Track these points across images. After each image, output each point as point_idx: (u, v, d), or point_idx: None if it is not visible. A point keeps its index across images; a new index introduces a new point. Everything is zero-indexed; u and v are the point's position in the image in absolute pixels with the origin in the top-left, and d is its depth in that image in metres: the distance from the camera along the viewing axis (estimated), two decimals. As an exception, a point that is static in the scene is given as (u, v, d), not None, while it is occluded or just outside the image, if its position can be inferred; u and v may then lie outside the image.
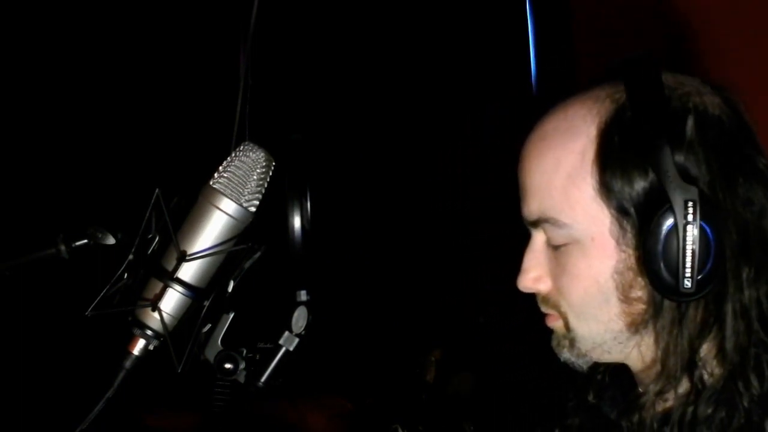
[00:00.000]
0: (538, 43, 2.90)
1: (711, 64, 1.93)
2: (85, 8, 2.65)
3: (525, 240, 1.02)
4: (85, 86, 2.72)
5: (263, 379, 1.12)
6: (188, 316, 1.07)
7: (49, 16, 2.64)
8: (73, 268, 1.10)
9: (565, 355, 1.01)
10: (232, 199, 1.04)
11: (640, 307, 0.94)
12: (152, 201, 1.04)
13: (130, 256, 1.07)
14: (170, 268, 1.05)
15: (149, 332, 1.06)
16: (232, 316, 1.13)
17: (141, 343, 1.06)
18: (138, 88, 2.79)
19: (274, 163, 1.08)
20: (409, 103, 3.13)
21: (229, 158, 1.06)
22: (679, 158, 0.89)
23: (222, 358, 1.11)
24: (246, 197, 1.05)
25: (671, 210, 0.87)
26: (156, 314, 1.04)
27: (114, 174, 2.63)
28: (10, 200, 2.46)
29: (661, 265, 0.88)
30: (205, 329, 1.12)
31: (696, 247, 0.86)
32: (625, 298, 0.94)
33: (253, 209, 1.06)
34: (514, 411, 2.40)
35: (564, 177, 0.94)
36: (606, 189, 0.92)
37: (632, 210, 0.91)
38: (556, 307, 1.00)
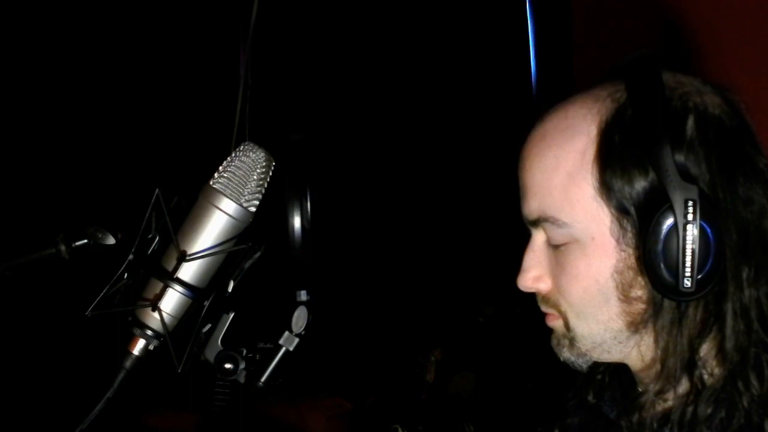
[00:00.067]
0: (538, 43, 2.91)
1: (711, 64, 1.93)
2: (85, 8, 2.65)
3: (525, 239, 1.02)
4: (85, 86, 2.73)
5: (263, 379, 1.12)
6: (188, 316, 1.07)
7: (49, 16, 2.64)
8: (73, 268, 1.10)
9: (565, 354, 1.01)
10: (232, 199, 1.04)
11: (640, 306, 0.94)
12: (152, 201, 1.04)
13: (130, 256, 1.07)
14: (170, 268, 1.05)
15: (149, 332, 1.06)
16: (232, 316, 1.13)
17: (141, 343, 1.06)
18: (138, 88, 2.80)
19: (274, 163, 1.08)
20: (409, 103, 3.13)
21: (229, 158, 1.06)
22: (680, 158, 0.89)
23: (222, 358, 1.11)
24: (246, 197, 1.05)
25: (671, 209, 0.87)
26: (156, 314, 1.04)
27: (114, 174, 2.63)
28: (10, 200, 2.46)
29: (661, 264, 0.88)
30: (205, 329, 1.12)
31: (696, 246, 0.86)
32: (625, 298, 0.94)
33: (253, 209, 1.06)
34: (514, 411, 2.40)
35: (564, 176, 0.94)
36: (606, 188, 0.92)
37: (632, 209, 0.91)
38: (556, 306, 1.00)
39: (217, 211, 1.04)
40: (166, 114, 2.80)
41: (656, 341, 0.95)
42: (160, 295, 1.05)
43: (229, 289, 1.11)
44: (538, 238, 1.00)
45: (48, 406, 2.34)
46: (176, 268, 1.05)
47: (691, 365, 0.92)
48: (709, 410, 0.91)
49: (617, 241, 0.93)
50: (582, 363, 1.00)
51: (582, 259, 0.95)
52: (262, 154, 1.07)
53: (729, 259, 0.89)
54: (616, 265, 0.93)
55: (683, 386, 0.94)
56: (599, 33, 2.44)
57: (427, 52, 3.09)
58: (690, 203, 0.86)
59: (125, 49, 2.74)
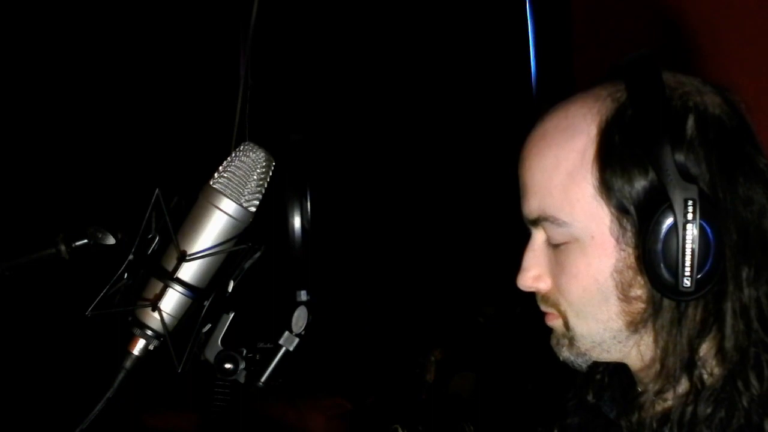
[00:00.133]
0: (538, 43, 2.91)
1: (711, 64, 1.93)
2: (85, 8, 2.65)
3: (525, 239, 1.02)
4: (85, 86, 2.73)
5: (263, 379, 1.12)
6: (188, 316, 1.07)
7: (49, 16, 2.64)
8: (73, 268, 1.10)
9: (565, 354, 1.01)
10: (232, 199, 1.04)
11: (640, 306, 0.94)
12: (152, 201, 1.04)
13: (130, 256, 1.07)
14: (170, 268, 1.05)
15: (149, 332, 1.06)
16: (232, 316, 1.13)
17: (141, 343, 1.06)
18: (138, 88, 2.80)
19: (274, 163, 1.08)
20: (409, 103, 3.13)
21: (229, 158, 1.06)
22: (680, 157, 0.89)
23: (222, 358, 1.11)
24: (246, 197, 1.05)
25: (671, 209, 0.87)
26: (156, 314, 1.04)
27: (114, 174, 2.63)
28: (10, 200, 2.46)
29: (661, 263, 0.88)
30: (205, 329, 1.12)
31: (696, 246, 0.86)
32: (625, 297, 0.94)
33: (253, 209, 1.06)
34: (514, 411, 2.40)
35: (564, 175, 0.94)
36: (606, 187, 0.92)
37: (632, 209, 0.91)
38: (556, 305, 1.00)
39: (217, 211, 1.04)
40: (167, 114, 2.80)
41: (656, 341, 0.95)
42: (160, 295, 1.05)
43: (229, 289, 1.11)
44: (538, 237, 1.00)
45: (48, 406, 2.34)
46: (176, 268, 1.05)
47: (690, 365, 0.92)
48: (709, 410, 0.91)
49: (617, 240, 0.93)
50: (581, 362, 1.00)
51: (582, 258, 0.95)
52: (262, 154, 1.07)
53: (729, 258, 0.89)
54: (615, 265, 0.93)
55: (683, 386, 0.94)
56: (599, 33, 2.44)
57: (427, 52, 3.09)
58: (690, 203, 0.86)
59: (125, 50, 2.74)
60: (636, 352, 0.98)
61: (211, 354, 1.12)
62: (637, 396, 1.00)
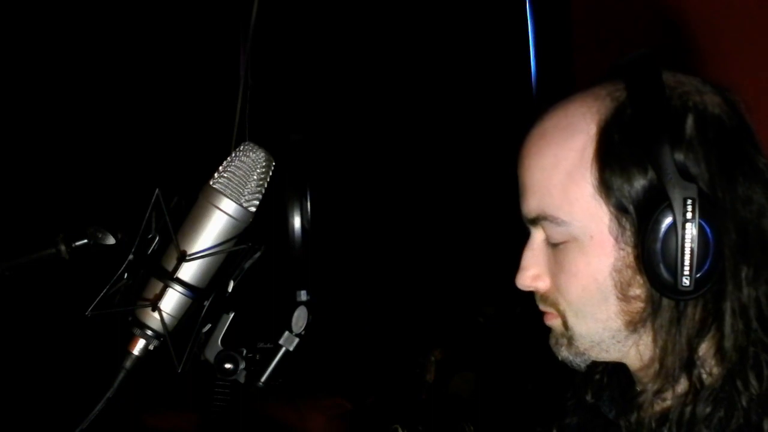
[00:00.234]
0: (538, 43, 2.91)
1: (711, 64, 1.93)
2: (85, 8, 2.65)
3: (524, 239, 1.02)
4: (85, 86, 2.73)
5: (263, 379, 1.12)
6: (188, 316, 1.07)
7: (49, 16, 2.64)
8: (73, 268, 1.10)
9: (564, 353, 1.01)
10: (232, 199, 1.04)
11: (639, 305, 0.94)
12: (152, 201, 1.04)
13: (130, 256, 1.07)
14: (170, 268, 1.05)
15: (149, 332, 1.06)
16: (232, 316, 1.13)
17: (141, 343, 1.06)
18: (138, 88, 2.80)
19: (274, 163, 1.08)
20: (409, 103, 3.13)
21: (229, 158, 1.06)
22: (679, 156, 0.89)
23: (222, 358, 1.11)
24: (246, 197, 1.05)
25: (670, 208, 0.87)
26: (156, 314, 1.04)
27: (114, 174, 2.63)
28: (10, 200, 2.46)
29: (660, 263, 0.88)
30: (205, 329, 1.12)
31: (695, 245, 0.86)
32: (624, 297, 0.94)
33: (253, 209, 1.06)
34: (513, 411, 2.40)
35: (563, 174, 0.94)
36: (605, 187, 0.92)
37: (631, 208, 0.91)
38: (555, 305, 1.00)
39: (217, 211, 1.04)
40: (167, 114, 2.80)
41: (655, 340, 0.95)
42: (160, 295, 1.05)
43: (229, 289, 1.11)
44: (537, 236, 1.00)
45: (48, 406, 2.34)
46: (176, 268, 1.05)
47: (689, 364, 0.92)
48: (708, 410, 0.91)
49: (616, 239, 0.93)
50: (580, 362, 1.00)
51: (581, 257, 0.95)
52: (262, 154, 1.07)
53: (728, 258, 0.89)
54: (614, 264, 0.93)
55: (682, 386, 0.94)
56: (599, 33, 2.44)
57: (427, 52, 3.09)
58: (689, 202, 0.86)
59: (125, 49, 2.74)
60: (635, 351, 0.98)
61: (211, 354, 1.12)
62: (636, 396, 1.00)
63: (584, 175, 0.93)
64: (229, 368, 1.11)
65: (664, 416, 0.96)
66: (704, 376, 0.93)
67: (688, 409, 0.92)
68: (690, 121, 0.91)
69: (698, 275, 0.87)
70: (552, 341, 1.02)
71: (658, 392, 0.95)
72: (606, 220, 0.93)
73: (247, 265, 1.11)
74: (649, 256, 0.88)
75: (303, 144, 1.18)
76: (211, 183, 1.05)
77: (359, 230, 2.99)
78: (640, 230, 0.90)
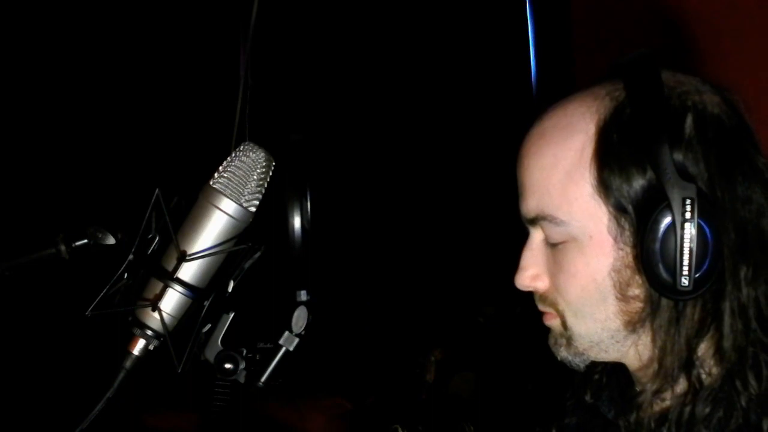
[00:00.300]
0: (538, 43, 2.91)
1: (711, 64, 1.93)
2: (85, 8, 2.65)
3: (524, 238, 1.02)
4: (85, 86, 2.73)
5: (263, 379, 1.12)
6: (188, 316, 1.07)
7: (49, 16, 2.64)
8: (73, 268, 1.10)
9: (563, 353, 1.01)
10: (232, 199, 1.04)
11: (638, 305, 0.94)
12: (152, 201, 1.04)
13: (130, 256, 1.07)
14: (170, 268, 1.05)
15: (149, 332, 1.06)
16: (232, 316, 1.13)
17: (141, 343, 1.06)
18: (138, 88, 2.80)
19: (274, 163, 1.08)
20: (409, 103, 3.13)
21: (229, 158, 1.06)
22: (678, 156, 0.89)
23: (222, 358, 1.12)
24: (246, 197, 1.05)
25: (669, 208, 0.87)
26: (156, 314, 1.04)
27: (114, 174, 2.63)
28: (10, 200, 2.46)
29: (659, 263, 0.88)
30: (205, 329, 1.12)
31: (694, 245, 0.86)
32: (623, 297, 0.94)
33: (253, 209, 1.06)
34: (513, 411, 2.40)
35: (562, 174, 0.94)
36: (604, 186, 0.92)
37: (630, 208, 0.91)
38: (554, 305, 1.00)
39: (217, 211, 1.04)
40: (167, 114, 2.80)
41: (654, 340, 0.95)
42: (160, 295, 1.05)
43: (229, 289, 1.11)
44: (536, 236, 1.00)
45: (48, 406, 2.34)
46: (176, 268, 1.05)
47: (688, 365, 0.92)
48: (707, 410, 0.91)
49: (615, 239, 0.93)
50: (579, 362, 1.00)
51: (580, 257, 0.95)
52: (262, 154, 1.07)
53: (727, 258, 0.89)
54: (613, 264, 0.93)
55: (681, 386, 0.94)
56: (599, 33, 2.45)
57: (427, 52, 3.09)
58: (688, 202, 0.86)
59: (125, 49, 2.74)
60: (634, 351, 0.98)
61: (211, 354, 1.12)
62: (635, 396, 1.00)
63: (583, 175, 0.93)
64: (229, 368, 1.11)
65: (663, 416, 0.96)
66: (703, 376, 0.93)
67: (687, 409, 0.92)
68: (689, 121, 0.91)
69: (697, 275, 0.87)
70: (551, 341, 1.02)
71: (657, 392, 0.95)
72: (605, 220, 0.93)
73: (247, 265, 1.11)
74: (648, 256, 0.88)
75: (303, 144, 1.18)
76: (211, 183, 1.05)
77: (359, 230, 2.99)
78: (639, 230, 0.90)
